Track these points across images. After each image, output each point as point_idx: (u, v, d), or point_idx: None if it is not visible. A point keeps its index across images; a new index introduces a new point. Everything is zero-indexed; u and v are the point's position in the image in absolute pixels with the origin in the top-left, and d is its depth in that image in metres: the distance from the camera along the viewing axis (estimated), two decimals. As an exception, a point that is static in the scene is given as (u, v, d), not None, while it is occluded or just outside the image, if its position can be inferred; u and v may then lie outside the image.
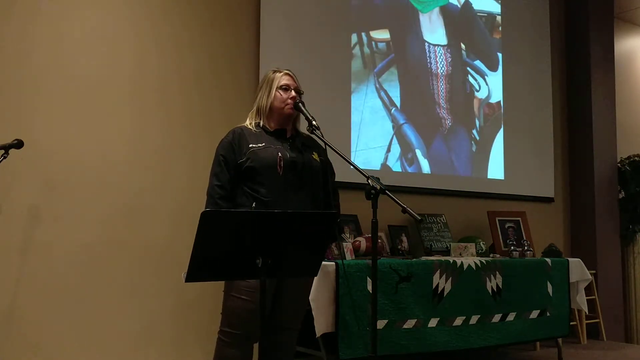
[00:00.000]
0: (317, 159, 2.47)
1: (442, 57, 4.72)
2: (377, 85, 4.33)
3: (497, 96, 5.06)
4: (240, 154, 2.35)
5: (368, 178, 2.16)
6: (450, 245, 4.12)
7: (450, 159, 4.67)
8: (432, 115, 4.61)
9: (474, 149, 4.84)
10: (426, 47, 4.64)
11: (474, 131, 4.86)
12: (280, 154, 2.34)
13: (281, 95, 2.42)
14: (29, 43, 3.07)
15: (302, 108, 2.39)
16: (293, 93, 2.42)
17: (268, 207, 2.27)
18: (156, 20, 3.46)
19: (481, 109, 4.93)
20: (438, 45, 4.71)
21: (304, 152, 2.43)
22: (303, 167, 2.38)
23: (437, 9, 4.75)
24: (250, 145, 2.35)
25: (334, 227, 2.11)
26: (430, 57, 4.65)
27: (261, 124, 2.44)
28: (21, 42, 3.05)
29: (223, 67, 3.67)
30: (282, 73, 2.47)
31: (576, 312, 4.71)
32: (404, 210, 2.11)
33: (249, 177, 2.33)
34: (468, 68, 4.89)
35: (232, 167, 2.35)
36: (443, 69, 4.71)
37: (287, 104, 2.40)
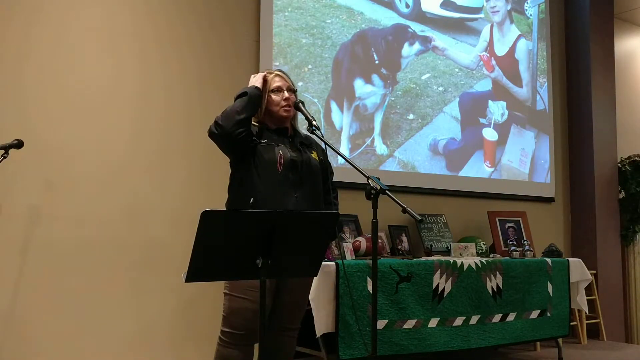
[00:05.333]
0: (317, 158, 2.47)
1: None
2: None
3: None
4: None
5: (368, 178, 2.16)
6: (450, 245, 4.12)
7: (450, 159, 4.66)
8: (432, 115, 4.60)
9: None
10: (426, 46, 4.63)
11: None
12: (281, 152, 2.34)
13: (274, 98, 2.41)
14: (29, 44, 3.07)
15: (302, 108, 2.39)
16: (286, 94, 2.41)
17: (264, 204, 2.26)
18: (156, 21, 3.46)
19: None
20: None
21: (303, 151, 2.43)
22: (302, 166, 2.38)
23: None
24: (254, 139, 2.35)
25: (334, 227, 2.10)
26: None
27: (262, 122, 2.45)
28: (21, 43, 3.05)
29: (223, 68, 3.67)
30: (272, 75, 2.46)
31: (576, 312, 4.71)
32: (404, 210, 2.11)
33: (251, 166, 2.33)
34: (468, 68, 4.88)
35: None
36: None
37: (282, 106, 2.40)
